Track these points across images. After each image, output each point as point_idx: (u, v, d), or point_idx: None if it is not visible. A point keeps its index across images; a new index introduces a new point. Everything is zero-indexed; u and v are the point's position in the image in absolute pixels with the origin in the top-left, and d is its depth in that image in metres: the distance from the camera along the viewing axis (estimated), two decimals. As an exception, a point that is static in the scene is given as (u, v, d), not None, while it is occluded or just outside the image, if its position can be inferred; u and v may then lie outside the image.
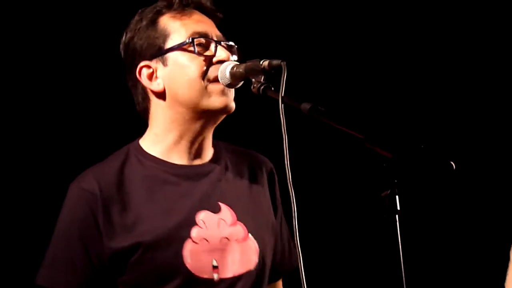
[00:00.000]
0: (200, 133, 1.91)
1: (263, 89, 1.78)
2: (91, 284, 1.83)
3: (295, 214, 1.69)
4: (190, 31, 1.88)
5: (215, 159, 1.96)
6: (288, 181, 1.68)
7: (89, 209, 1.82)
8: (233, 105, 1.89)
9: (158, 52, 1.88)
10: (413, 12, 3.74)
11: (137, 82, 1.92)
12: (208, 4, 1.95)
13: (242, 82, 1.88)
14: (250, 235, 1.90)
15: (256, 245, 1.91)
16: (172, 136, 1.90)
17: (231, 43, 1.94)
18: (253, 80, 1.81)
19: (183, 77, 1.87)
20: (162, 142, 1.91)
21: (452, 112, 3.80)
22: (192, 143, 1.91)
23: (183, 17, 1.90)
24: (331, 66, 3.66)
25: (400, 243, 1.56)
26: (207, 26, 1.91)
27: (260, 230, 1.94)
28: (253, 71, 1.81)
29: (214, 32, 1.91)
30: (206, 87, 1.86)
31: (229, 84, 1.86)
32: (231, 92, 1.89)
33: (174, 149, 1.91)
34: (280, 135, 1.68)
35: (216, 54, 1.88)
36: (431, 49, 3.80)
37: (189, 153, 1.92)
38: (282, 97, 1.70)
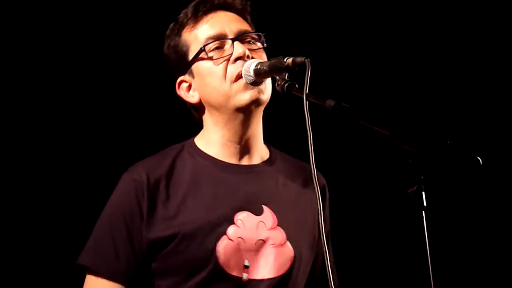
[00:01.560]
0: (243, 132, 1.94)
1: (287, 86, 1.78)
2: (131, 270, 1.87)
3: (321, 211, 1.69)
4: (204, 38, 1.92)
5: (267, 162, 1.99)
6: (314, 178, 1.67)
7: (135, 198, 1.87)
8: (262, 96, 1.90)
9: (186, 66, 1.95)
10: (433, 7, 3.71)
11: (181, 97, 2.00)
12: (224, 0, 1.96)
13: (267, 79, 1.89)
14: (288, 242, 1.91)
15: (292, 253, 1.91)
16: (219, 138, 1.95)
17: (253, 36, 1.95)
18: (277, 77, 1.80)
19: (209, 84, 1.91)
20: (213, 144, 1.95)
21: (479, 108, 3.77)
22: (238, 143, 1.95)
23: (198, 24, 1.95)
24: (355, 63, 3.65)
25: (427, 240, 1.54)
26: (223, 24, 1.94)
27: (300, 240, 1.94)
28: (277, 68, 1.81)
29: (230, 28, 1.93)
30: (230, 88, 1.88)
31: (253, 82, 1.87)
32: (261, 85, 1.89)
33: (223, 150, 1.94)
34: (305, 133, 1.67)
35: (233, 52, 1.89)
36: (455, 46, 3.77)
37: (238, 153, 1.95)
38: (306, 94, 1.68)
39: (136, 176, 1.89)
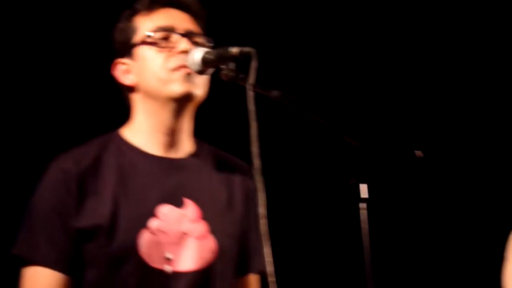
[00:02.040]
0: (172, 124, 1.93)
1: (232, 76, 1.78)
2: (69, 257, 1.84)
3: (262, 201, 1.68)
4: (154, 26, 1.93)
5: (193, 156, 1.98)
6: (256, 169, 1.67)
7: (65, 187, 1.85)
8: (196, 91, 1.90)
9: (129, 48, 1.95)
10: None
11: (116, 80, 1.99)
12: (183, 1, 1.98)
13: (214, 69, 1.88)
14: (211, 234, 1.91)
15: (216, 245, 1.91)
16: (147, 127, 1.94)
17: (201, 38, 1.96)
18: (223, 67, 1.81)
19: (148, 69, 1.92)
20: (140, 133, 1.95)
21: (420, 102, 3.83)
22: (166, 134, 1.93)
23: (152, 13, 1.95)
24: (302, 56, 3.67)
25: (367, 230, 1.57)
26: (175, 20, 1.95)
27: (223, 232, 1.93)
28: (224, 57, 1.81)
29: (182, 26, 1.94)
30: (169, 76, 1.89)
31: (199, 70, 1.87)
32: (197, 79, 1.90)
33: (150, 140, 1.94)
34: (247, 124, 1.66)
35: (178, 46, 1.91)
36: (396, 40, 3.82)
37: (164, 144, 1.94)
38: (251, 84, 1.69)
39: (64, 165, 1.87)
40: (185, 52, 1.89)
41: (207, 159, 2.01)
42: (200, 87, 1.91)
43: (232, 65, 1.79)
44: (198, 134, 2.01)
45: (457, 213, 3.78)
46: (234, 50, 1.78)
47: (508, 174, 3.72)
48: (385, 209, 3.39)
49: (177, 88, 1.88)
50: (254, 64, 1.70)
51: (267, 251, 1.63)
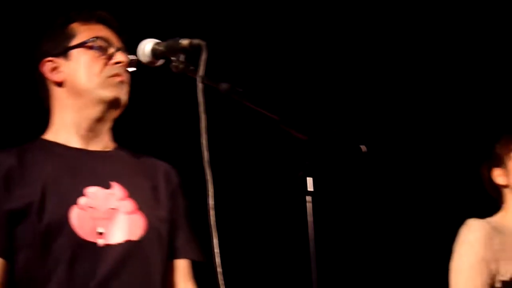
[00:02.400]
0: (96, 122, 2.00)
1: (182, 67, 1.78)
2: (3, 243, 1.86)
3: (211, 193, 1.67)
4: (94, 35, 2.01)
5: (114, 150, 2.06)
6: (205, 161, 1.67)
7: None
8: (124, 99, 1.99)
9: (64, 49, 2.01)
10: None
11: (41, 77, 2.04)
12: (114, 23, 2.07)
13: (163, 61, 1.87)
14: (139, 211, 1.96)
15: (145, 221, 1.95)
16: (70, 122, 2.00)
17: (132, 56, 2.00)
18: (173, 58, 1.81)
19: (83, 70, 1.99)
20: (62, 131, 2.01)
21: (367, 97, 3.88)
22: (89, 131, 2.00)
23: (91, 23, 2.04)
24: (252, 50, 3.67)
25: (312, 223, 1.59)
26: (111, 35, 2.05)
27: (151, 211, 1.98)
28: (174, 49, 1.81)
29: (116, 42, 2.04)
30: (104, 80, 1.97)
31: (150, 61, 1.87)
32: (126, 88, 1.99)
33: (73, 135, 2.00)
34: (197, 116, 1.66)
35: (115, 57, 1.99)
36: (342, 35, 3.85)
37: (87, 139, 2.01)
38: (201, 76, 1.69)
39: None
40: (120, 63, 1.98)
41: (129, 154, 2.08)
42: (126, 95, 2.00)
43: (182, 57, 1.78)
44: (147, 127, 2.02)
45: (400, 206, 3.84)
46: (184, 41, 1.78)
47: (450, 168, 3.79)
48: (331, 201, 3.42)
49: (109, 92, 1.96)
50: (204, 56, 1.70)
51: (215, 242, 1.63)
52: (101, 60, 1.99)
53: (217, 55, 1.81)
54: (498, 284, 2.54)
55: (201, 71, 1.69)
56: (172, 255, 2.06)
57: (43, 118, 2.06)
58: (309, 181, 1.62)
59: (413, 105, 3.95)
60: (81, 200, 1.89)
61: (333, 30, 3.83)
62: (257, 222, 3.65)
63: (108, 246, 1.88)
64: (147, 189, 2.03)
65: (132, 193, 1.97)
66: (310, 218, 1.60)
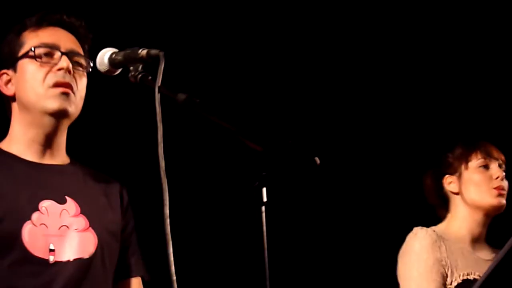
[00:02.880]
0: (47, 136, 1.97)
1: (140, 77, 1.77)
2: None
3: (166, 202, 1.67)
4: (38, 42, 1.97)
5: (69, 165, 2.04)
6: (161, 170, 1.66)
7: None
8: (70, 109, 1.95)
9: (13, 60, 1.98)
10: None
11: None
12: (71, 23, 2.03)
13: (120, 69, 1.87)
14: (91, 228, 1.96)
15: (96, 238, 1.95)
16: (23, 137, 1.98)
17: (82, 59, 2.00)
18: (131, 68, 1.80)
19: (27, 82, 1.96)
20: (17, 143, 1.99)
21: (320, 110, 3.91)
22: (41, 144, 1.98)
23: (40, 31, 1.99)
24: (211, 62, 3.68)
25: (265, 232, 1.59)
26: (60, 39, 2.00)
27: (102, 228, 1.98)
28: (132, 59, 1.81)
29: (65, 45, 2.00)
30: (46, 92, 1.94)
31: (107, 70, 1.87)
32: (73, 98, 1.95)
33: (28, 149, 1.98)
34: (155, 126, 1.66)
35: (59, 63, 1.94)
36: (298, 47, 3.86)
37: (40, 153, 1.98)
38: (158, 86, 1.68)
39: None
40: (63, 69, 1.94)
41: (83, 169, 2.08)
42: (74, 105, 1.96)
43: (140, 67, 1.78)
44: (105, 134, 2.01)
45: (349, 214, 3.88)
46: (142, 51, 1.78)
47: (393, 179, 3.84)
48: (286, 210, 3.44)
49: (52, 104, 1.92)
50: (161, 66, 1.70)
51: (169, 251, 1.62)
52: (45, 68, 1.95)
53: (175, 65, 1.81)
54: None
55: (158, 81, 1.69)
56: (125, 273, 2.07)
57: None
58: (264, 191, 1.62)
59: (359, 121, 4.01)
60: (35, 216, 1.88)
61: (286, 41, 3.84)
62: (212, 231, 3.65)
63: (58, 263, 1.87)
64: (100, 205, 2.02)
65: (84, 210, 1.96)
66: (264, 227, 1.61)
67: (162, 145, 1.65)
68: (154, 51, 1.76)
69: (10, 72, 1.99)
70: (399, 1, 3.87)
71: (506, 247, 2.23)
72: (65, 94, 1.93)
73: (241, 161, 1.63)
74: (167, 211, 1.67)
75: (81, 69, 2.00)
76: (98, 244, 1.94)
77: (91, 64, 2.00)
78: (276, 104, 3.80)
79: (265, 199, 1.61)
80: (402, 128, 3.99)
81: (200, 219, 3.57)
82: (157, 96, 1.67)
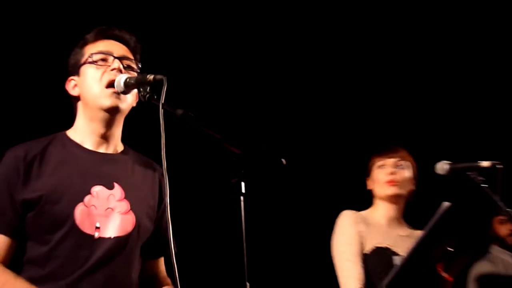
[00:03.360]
0: (104, 128, 1.94)
1: (148, 97, 1.79)
2: (15, 225, 1.83)
3: (167, 197, 1.71)
4: (95, 50, 1.95)
5: (121, 154, 1.99)
6: (164, 170, 1.69)
7: (15, 169, 1.84)
8: (122, 106, 1.92)
9: (78, 68, 1.97)
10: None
11: (67, 92, 2.00)
12: (122, 35, 2.00)
13: (135, 90, 1.89)
14: (131, 211, 1.92)
15: (134, 220, 1.91)
16: (85, 128, 1.95)
17: (132, 63, 1.98)
18: (141, 89, 1.82)
19: (87, 83, 1.93)
20: (80, 133, 1.96)
21: (286, 122, 3.95)
22: (100, 136, 1.95)
23: (97, 42, 1.98)
24: (203, 83, 3.71)
25: (243, 219, 1.60)
26: (113, 47, 1.97)
27: (141, 211, 1.94)
28: (142, 82, 1.82)
29: (118, 52, 1.96)
30: (101, 91, 1.90)
31: (123, 91, 1.89)
32: (123, 97, 1.92)
33: (87, 139, 1.95)
34: (159, 135, 1.68)
35: (112, 65, 1.92)
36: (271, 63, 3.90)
37: (98, 143, 1.95)
38: (162, 103, 1.71)
39: (16, 153, 1.87)
40: (116, 69, 1.91)
41: (133, 158, 2.02)
42: (124, 102, 1.93)
43: (148, 88, 1.80)
44: (126, 141, 2.04)
45: (312, 201, 3.90)
46: (150, 76, 1.79)
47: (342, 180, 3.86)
48: (259, 202, 3.47)
49: (106, 101, 1.90)
50: (164, 88, 1.72)
51: (170, 233, 1.65)
52: (99, 70, 1.92)
53: (175, 87, 1.84)
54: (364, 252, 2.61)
55: (162, 99, 1.71)
56: (153, 254, 2.03)
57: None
58: (243, 185, 1.63)
59: (316, 130, 4.03)
60: (87, 199, 1.85)
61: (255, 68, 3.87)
62: (201, 216, 3.67)
63: (101, 238, 1.85)
64: (142, 192, 1.97)
65: (128, 195, 1.92)
66: (242, 213, 1.62)
67: (164, 149, 1.67)
68: (159, 76, 1.76)
69: (75, 77, 1.97)
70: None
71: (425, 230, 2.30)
72: (117, 93, 1.89)
73: (224, 161, 1.66)
74: (168, 200, 1.69)
75: (132, 72, 1.96)
76: (135, 225, 1.91)
77: (139, 66, 1.99)
78: (252, 116, 3.83)
79: (243, 191, 1.63)
80: (351, 137, 4.01)
81: (193, 207, 3.59)
82: (161, 111, 1.69)
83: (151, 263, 2.05)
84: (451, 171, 2.46)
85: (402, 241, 2.65)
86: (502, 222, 3.40)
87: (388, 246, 2.61)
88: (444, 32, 4.00)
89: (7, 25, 3.10)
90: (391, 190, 2.68)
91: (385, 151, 2.76)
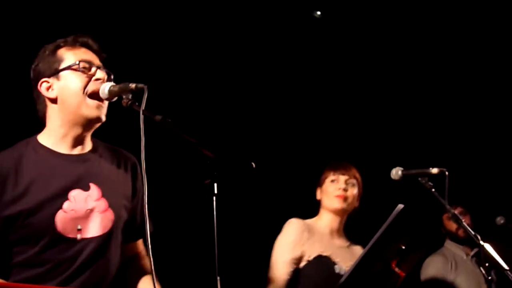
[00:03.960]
0: (81, 132, 1.92)
1: (130, 103, 1.80)
2: None
3: (145, 194, 1.71)
4: (79, 58, 1.92)
5: (92, 151, 1.97)
6: (143, 171, 1.69)
7: None
8: (103, 117, 1.92)
9: (55, 71, 1.91)
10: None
11: (39, 94, 1.93)
12: (94, 45, 1.98)
13: (116, 98, 1.89)
14: (110, 208, 1.91)
15: (113, 216, 1.90)
16: (60, 132, 1.91)
17: (107, 72, 1.97)
18: (124, 96, 1.82)
19: (70, 88, 1.89)
20: (53, 136, 1.91)
21: (255, 128, 3.97)
22: (74, 139, 1.92)
23: (75, 49, 1.94)
24: (181, 90, 3.71)
25: (215, 217, 1.62)
26: (92, 57, 1.96)
27: (118, 205, 1.94)
28: (124, 90, 1.83)
29: (96, 62, 1.96)
30: (85, 100, 1.88)
31: (107, 98, 1.89)
32: (104, 108, 1.91)
33: (60, 142, 1.91)
34: (139, 138, 1.69)
35: (96, 74, 1.91)
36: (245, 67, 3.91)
37: (72, 145, 1.92)
38: (142, 110, 1.72)
39: None
40: (101, 79, 1.90)
41: (104, 151, 1.99)
42: (104, 114, 1.92)
43: (130, 96, 1.81)
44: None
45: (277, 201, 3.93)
46: (132, 85, 1.81)
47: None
48: (230, 201, 3.48)
49: (92, 112, 1.89)
50: (145, 95, 1.74)
51: (147, 228, 1.64)
52: (84, 78, 1.89)
53: (155, 95, 1.86)
54: (303, 263, 2.64)
55: (143, 106, 1.71)
56: (132, 237, 2.01)
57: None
58: (215, 186, 1.65)
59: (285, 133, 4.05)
60: (65, 205, 1.82)
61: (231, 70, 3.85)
62: (176, 213, 3.67)
63: (84, 239, 1.84)
64: (117, 184, 1.95)
65: (105, 192, 1.90)
66: (214, 212, 1.64)
67: (143, 151, 1.68)
68: (140, 85, 1.78)
69: (51, 80, 1.90)
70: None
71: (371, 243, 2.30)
72: (101, 106, 1.89)
73: (198, 163, 1.68)
74: (146, 198, 1.70)
75: (108, 79, 1.95)
76: (114, 221, 1.89)
77: (112, 75, 1.96)
78: (224, 122, 3.84)
79: (215, 191, 1.64)
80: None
81: (169, 205, 3.59)
82: (141, 117, 1.70)
83: (131, 245, 2.04)
84: (404, 177, 2.52)
85: (341, 251, 2.71)
86: (450, 219, 3.51)
87: (329, 256, 2.67)
88: (405, 38, 4.05)
89: None
90: (340, 204, 2.74)
91: (339, 168, 2.80)
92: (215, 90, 3.85)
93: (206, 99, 3.82)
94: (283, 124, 4.08)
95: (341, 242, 2.78)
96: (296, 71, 4.00)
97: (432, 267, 3.65)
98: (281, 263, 2.64)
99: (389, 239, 2.35)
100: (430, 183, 2.43)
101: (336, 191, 2.74)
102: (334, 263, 2.66)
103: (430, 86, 4.19)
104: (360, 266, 2.31)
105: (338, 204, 2.73)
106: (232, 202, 3.51)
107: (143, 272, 2.01)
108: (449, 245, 3.77)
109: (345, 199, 2.72)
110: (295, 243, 2.65)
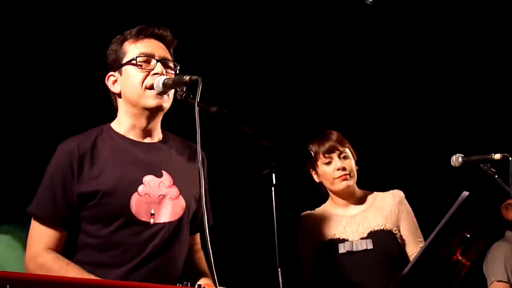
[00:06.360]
0: (146, 123, 1.90)
1: (184, 96, 1.78)
2: (65, 216, 1.81)
3: (202, 187, 1.68)
4: (138, 52, 1.89)
5: (163, 141, 1.97)
6: (199, 163, 1.68)
7: (69, 162, 1.81)
8: (165, 105, 1.89)
9: (119, 66, 1.91)
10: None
11: (107, 87, 1.96)
12: (162, 33, 1.94)
13: (173, 90, 1.87)
14: (181, 196, 1.89)
15: (184, 204, 1.89)
16: (128, 123, 1.91)
17: (171, 63, 1.94)
18: (178, 89, 1.81)
19: (130, 83, 1.89)
20: (123, 126, 1.92)
21: (313, 116, 3.89)
22: (142, 130, 1.91)
23: (138, 42, 1.91)
24: (236, 81, 3.67)
25: (274, 208, 1.57)
26: (154, 48, 1.92)
27: (189, 194, 1.92)
28: (179, 83, 1.81)
29: (159, 53, 1.92)
30: (144, 92, 1.88)
31: (162, 92, 1.87)
32: (165, 96, 1.89)
33: (131, 131, 1.91)
34: (195, 130, 1.67)
35: (154, 69, 1.88)
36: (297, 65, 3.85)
37: (141, 135, 1.91)
38: (197, 102, 1.69)
39: (69, 146, 1.84)
40: (158, 74, 1.87)
41: (173, 142, 1.99)
42: (166, 101, 1.90)
43: (184, 88, 1.78)
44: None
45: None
46: (186, 77, 1.77)
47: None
48: (289, 190, 3.42)
49: (150, 102, 1.87)
50: (199, 87, 1.70)
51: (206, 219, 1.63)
52: (142, 73, 1.87)
53: (210, 86, 1.80)
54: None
55: (197, 98, 1.69)
56: (193, 229, 1.99)
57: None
58: (273, 176, 1.59)
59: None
60: (140, 188, 1.83)
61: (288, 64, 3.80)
62: (236, 204, 3.64)
63: (157, 224, 1.83)
64: (188, 175, 1.93)
65: (176, 181, 1.90)
66: (273, 202, 1.58)
67: (199, 144, 1.66)
68: (194, 77, 1.75)
69: (116, 74, 1.91)
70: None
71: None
72: (160, 94, 1.87)
73: (256, 154, 1.61)
74: (203, 191, 1.67)
75: (171, 71, 1.92)
76: (185, 209, 1.89)
77: (178, 66, 1.95)
78: (282, 111, 3.79)
79: (274, 182, 1.59)
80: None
81: (228, 196, 3.55)
82: (197, 109, 1.68)
83: (190, 237, 2.02)
84: (465, 163, 2.36)
85: (354, 221, 2.56)
86: (508, 208, 3.30)
87: (339, 237, 2.53)
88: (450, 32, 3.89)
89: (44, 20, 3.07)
90: (345, 185, 2.55)
91: (325, 144, 2.55)
92: (269, 79, 3.79)
93: (260, 89, 3.76)
94: (342, 111, 3.96)
95: (354, 210, 2.60)
96: (363, 61, 3.88)
97: (500, 253, 3.44)
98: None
99: (454, 227, 2.23)
100: (492, 169, 2.27)
101: (335, 172, 2.54)
102: (340, 241, 2.52)
103: (491, 71, 4.00)
104: (424, 255, 2.22)
105: (342, 185, 2.55)
106: (291, 193, 3.47)
107: (196, 266, 2.01)
108: (510, 234, 3.56)
109: (346, 177, 2.54)
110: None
